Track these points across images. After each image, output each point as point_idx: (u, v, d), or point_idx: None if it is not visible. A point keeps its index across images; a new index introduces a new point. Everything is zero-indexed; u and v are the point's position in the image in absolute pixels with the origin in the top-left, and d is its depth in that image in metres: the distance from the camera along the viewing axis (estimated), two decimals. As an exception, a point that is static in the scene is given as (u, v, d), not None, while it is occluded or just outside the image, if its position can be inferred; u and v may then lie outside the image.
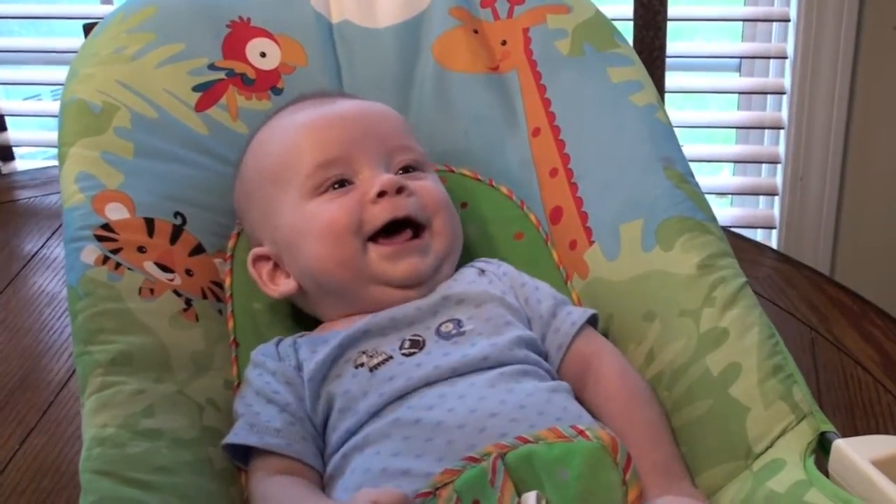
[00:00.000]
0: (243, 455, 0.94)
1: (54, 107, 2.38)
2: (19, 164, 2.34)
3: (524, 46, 1.19)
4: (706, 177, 2.30)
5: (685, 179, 1.06)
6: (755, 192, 2.25)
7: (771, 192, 2.21)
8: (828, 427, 0.88)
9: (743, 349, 0.93)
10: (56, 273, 1.69)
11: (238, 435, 0.93)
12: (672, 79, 2.06)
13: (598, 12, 1.20)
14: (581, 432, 0.82)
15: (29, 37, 2.47)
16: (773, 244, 2.20)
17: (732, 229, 1.66)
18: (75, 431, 1.25)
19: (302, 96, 1.12)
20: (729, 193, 2.29)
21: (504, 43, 1.20)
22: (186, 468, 0.89)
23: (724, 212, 2.26)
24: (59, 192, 1.87)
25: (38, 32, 2.54)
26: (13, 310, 1.63)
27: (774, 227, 2.22)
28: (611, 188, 1.09)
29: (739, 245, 1.49)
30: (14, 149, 2.33)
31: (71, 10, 2.24)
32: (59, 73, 2.26)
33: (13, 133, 2.33)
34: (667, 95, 2.03)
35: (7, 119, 2.31)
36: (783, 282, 1.45)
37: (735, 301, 0.96)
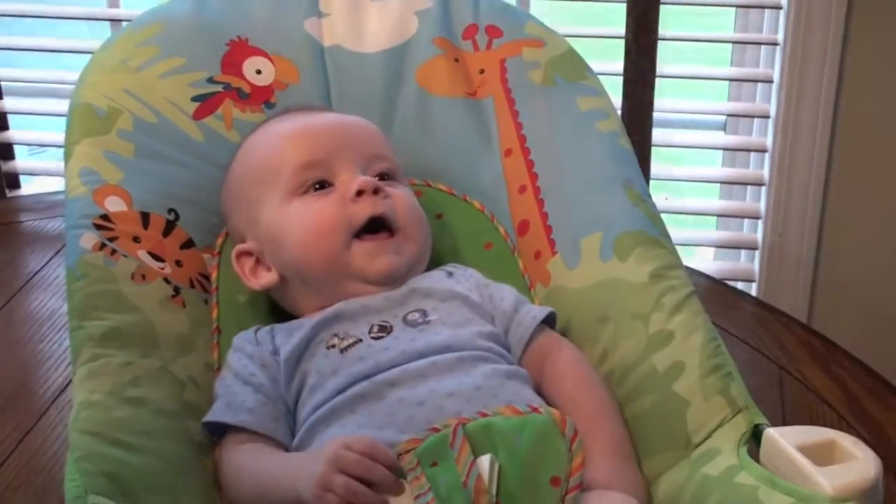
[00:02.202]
0: (220, 432, 1.00)
1: (59, 138, 2.44)
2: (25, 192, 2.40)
3: (500, 75, 1.28)
4: (691, 230, 2.36)
5: (643, 199, 1.14)
6: (737, 246, 2.31)
7: (751, 247, 2.26)
8: (761, 420, 0.94)
9: (687, 349, 1.00)
10: (56, 291, 1.74)
11: (215, 413, 1.00)
12: (659, 134, 2.13)
13: (571, 49, 1.29)
14: (535, 409, 0.89)
15: (41, 69, 2.53)
16: (753, 297, 2.24)
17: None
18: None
19: (286, 108, 1.21)
20: (711, 246, 2.35)
21: (482, 71, 1.29)
22: (167, 435, 0.95)
23: (707, 265, 2.31)
24: (62, 216, 1.94)
25: (51, 65, 2.60)
26: (14, 323, 1.68)
27: (754, 281, 2.27)
28: (574, 205, 1.16)
29: (720, 290, 1.54)
30: (20, 177, 2.39)
31: (83, 45, 2.31)
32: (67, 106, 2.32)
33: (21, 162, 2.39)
34: (653, 149, 2.09)
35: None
36: (757, 325, 1.49)
37: (682, 307, 1.03)
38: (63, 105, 2.31)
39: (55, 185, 2.48)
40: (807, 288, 2.22)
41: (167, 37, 1.24)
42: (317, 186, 1.09)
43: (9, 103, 2.32)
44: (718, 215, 2.30)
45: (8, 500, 1.17)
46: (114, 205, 1.10)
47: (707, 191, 2.42)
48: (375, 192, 1.08)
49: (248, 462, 0.96)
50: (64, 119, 2.37)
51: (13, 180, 2.36)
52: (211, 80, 1.24)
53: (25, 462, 1.24)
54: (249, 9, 1.29)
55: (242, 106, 1.24)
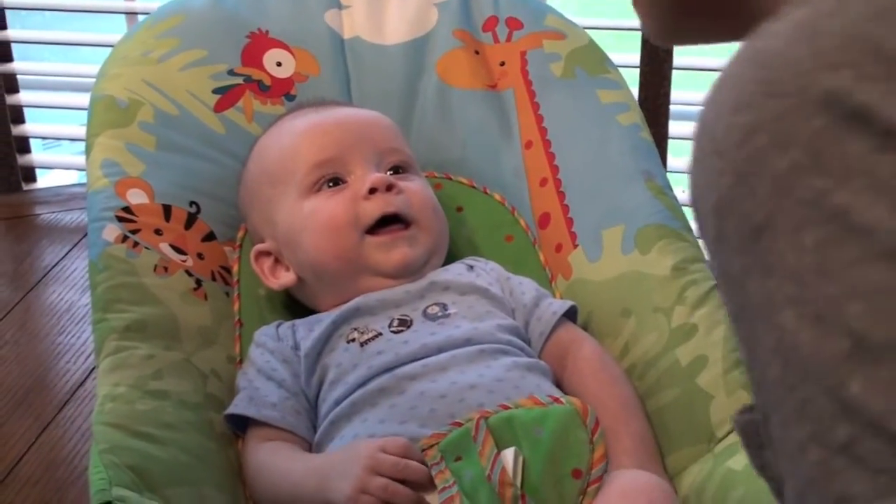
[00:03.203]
0: (242, 425, 1.01)
1: (79, 132, 2.45)
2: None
3: (521, 67, 1.27)
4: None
5: (664, 192, 1.14)
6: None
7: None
8: (784, 414, 0.94)
9: (710, 343, 0.99)
10: (74, 284, 1.75)
11: (238, 406, 1.00)
12: (676, 126, 2.13)
13: (592, 41, 1.29)
14: (556, 399, 0.89)
15: (57, 62, 2.53)
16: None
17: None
18: (89, 427, 1.31)
19: (299, 104, 1.21)
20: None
21: (503, 64, 1.29)
22: (190, 427, 0.96)
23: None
24: (80, 209, 1.95)
25: (66, 58, 2.60)
26: (32, 315, 1.69)
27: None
28: (595, 197, 1.16)
29: None
30: (36, 170, 2.40)
31: (99, 39, 2.32)
32: (83, 99, 2.33)
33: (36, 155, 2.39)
34: (670, 142, 2.09)
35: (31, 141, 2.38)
36: None
37: (705, 300, 1.03)
38: (77, 98, 2.34)
39: (69, 178, 2.50)
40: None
41: (188, 29, 1.24)
42: (330, 184, 1.09)
43: (24, 97, 2.32)
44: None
45: (28, 493, 1.18)
46: (136, 197, 1.10)
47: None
48: (388, 188, 1.08)
49: (271, 461, 0.96)
50: (77, 112, 2.38)
51: (29, 173, 2.36)
52: (231, 73, 1.24)
53: (45, 455, 1.25)
54: (270, 1, 1.29)
55: (263, 98, 1.24)
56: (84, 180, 2.39)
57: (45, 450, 1.27)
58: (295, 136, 1.13)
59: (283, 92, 1.26)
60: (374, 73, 1.30)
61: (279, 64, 1.26)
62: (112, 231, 1.06)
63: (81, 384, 1.46)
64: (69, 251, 1.86)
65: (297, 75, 1.27)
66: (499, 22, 1.30)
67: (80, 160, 2.42)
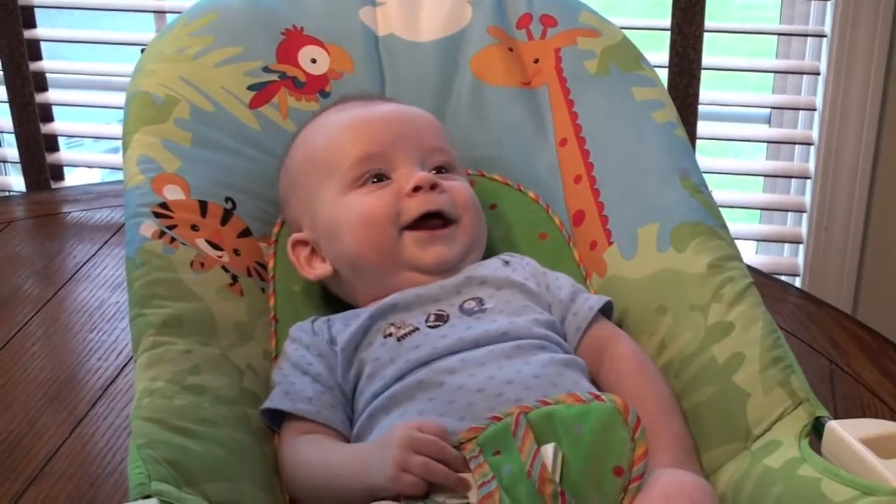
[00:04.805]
0: (278, 420, 1.01)
1: (105, 129, 2.47)
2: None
3: (555, 64, 1.27)
4: (732, 223, 2.34)
5: (699, 190, 1.14)
6: (780, 240, 2.30)
7: (796, 241, 2.25)
8: (822, 412, 0.93)
9: (747, 341, 0.99)
10: (104, 282, 1.75)
11: (274, 401, 1.01)
12: (704, 126, 2.13)
13: (626, 38, 1.29)
14: (597, 396, 0.89)
15: (85, 61, 2.54)
16: (797, 291, 2.23)
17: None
18: (123, 422, 1.31)
19: (345, 97, 1.21)
20: (755, 240, 2.34)
21: (537, 61, 1.29)
22: (226, 422, 0.96)
23: (750, 259, 2.31)
24: (109, 207, 1.96)
25: (94, 57, 2.61)
26: (64, 312, 1.69)
27: (798, 275, 2.26)
28: (630, 195, 1.16)
29: (765, 283, 1.53)
30: (64, 169, 2.41)
31: (128, 37, 2.33)
32: (111, 97, 2.35)
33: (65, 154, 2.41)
34: (698, 142, 2.09)
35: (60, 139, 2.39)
36: (805, 318, 1.48)
37: (741, 298, 1.03)
38: (105, 97, 2.36)
39: (92, 176, 2.51)
40: (852, 283, 2.21)
41: (223, 25, 1.24)
42: (374, 179, 1.10)
43: (53, 95, 2.33)
44: (763, 209, 2.30)
45: (61, 489, 1.18)
46: (172, 193, 1.11)
47: (749, 184, 2.42)
48: (433, 187, 1.08)
49: (308, 453, 0.97)
50: (103, 110, 2.39)
51: (57, 172, 2.37)
52: (266, 69, 1.24)
53: (79, 450, 1.25)
54: (304, -3, 1.29)
55: (298, 95, 1.25)
56: (108, 178, 2.41)
57: (79, 445, 1.27)
58: (341, 129, 1.13)
59: (317, 89, 1.26)
60: (408, 70, 1.30)
61: (314, 61, 1.27)
62: (149, 227, 1.07)
63: (113, 381, 1.46)
64: (99, 249, 1.86)
65: (332, 72, 1.27)
66: (533, 19, 1.30)
67: (104, 158, 2.44)
